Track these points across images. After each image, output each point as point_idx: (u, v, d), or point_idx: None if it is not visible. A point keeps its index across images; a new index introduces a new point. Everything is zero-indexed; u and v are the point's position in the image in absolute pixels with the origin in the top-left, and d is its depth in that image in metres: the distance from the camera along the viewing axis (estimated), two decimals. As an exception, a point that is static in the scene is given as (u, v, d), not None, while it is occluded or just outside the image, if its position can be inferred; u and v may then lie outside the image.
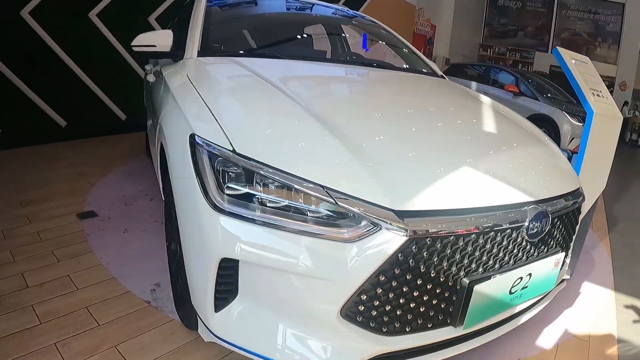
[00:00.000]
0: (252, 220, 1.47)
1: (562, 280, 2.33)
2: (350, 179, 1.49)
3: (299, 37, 3.37)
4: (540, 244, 1.77)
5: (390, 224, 1.40)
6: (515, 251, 1.67)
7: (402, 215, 1.43)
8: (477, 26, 16.56)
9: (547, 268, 1.82)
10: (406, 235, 1.40)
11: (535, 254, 1.77)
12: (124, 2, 5.53)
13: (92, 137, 5.66)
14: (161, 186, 2.62)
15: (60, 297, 2.44)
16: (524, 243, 1.69)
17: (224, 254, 1.52)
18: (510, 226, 1.60)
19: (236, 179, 1.53)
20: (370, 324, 1.50)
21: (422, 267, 1.47)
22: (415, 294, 1.50)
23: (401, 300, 1.49)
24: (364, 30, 3.76)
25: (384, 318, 1.51)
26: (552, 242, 1.85)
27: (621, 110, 12.59)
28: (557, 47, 2.75)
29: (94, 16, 5.35)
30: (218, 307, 1.61)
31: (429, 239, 1.45)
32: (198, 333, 1.90)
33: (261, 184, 1.51)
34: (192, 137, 1.68)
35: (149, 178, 4.31)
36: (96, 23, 5.40)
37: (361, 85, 2.71)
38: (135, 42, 2.66)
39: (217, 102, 1.90)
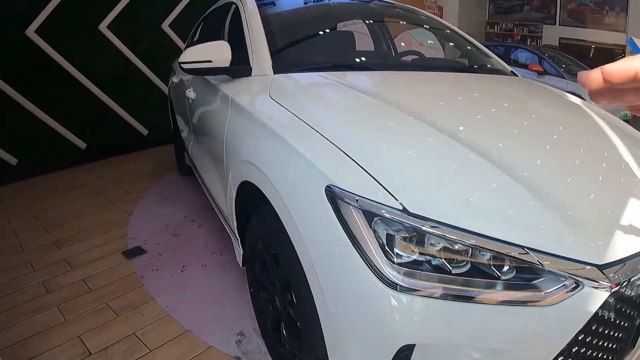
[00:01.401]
0: (437, 294, 1.17)
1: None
2: (546, 234, 1.24)
3: (373, 40, 2.95)
4: None
5: (594, 280, 1.20)
6: None
7: (603, 268, 1.22)
8: (483, 3, 16.33)
9: None
10: (609, 291, 1.21)
11: None
12: (134, 11, 5.09)
13: (114, 156, 5.23)
14: (235, 225, 2.19)
15: (133, 365, 2.01)
16: None
17: (405, 341, 1.20)
18: None
19: (404, 244, 1.21)
20: None
21: (613, 316, 1.27)
22: (603, 343, 1.29)
23: (593, 354, 1.29)
24: (424, 26, 3.29)
25: None
26: None
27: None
28: (631, 37, 2.40)
29: (104, 28, 4.91)
30: None
31: (627, 289, 1.26)
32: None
33: (439, 248, 1.20)
34: (331, 190, 1.31)
35: (190, 200, 3.89)
36: (107, 35, 4.96)
37: (475, 98, 2.18)
38: (184, 58, 2.21)
39: (347, 139, 1.48)
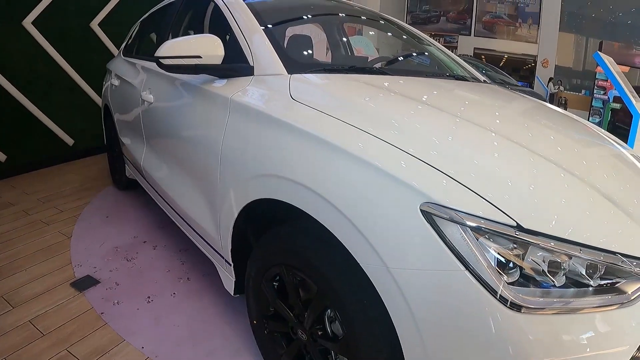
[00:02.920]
0: (555, 311, 1.11)
1: None
2: (630, 238, 1.26)
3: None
4: None
5: None
6: None
7: None
8: (400, 14, 16.93)
9: None
10: None
11: None
12: (61, 7, 4.59)
13: (39, 169, 4.66)
14: (229, 248, 1.92)
15: None
16: None
17: None
18: None
19: (509, 264, 1.13)
20: None
21: None
22: None
23: None
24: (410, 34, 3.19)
25: None
26: None
27: (547, 86, 13.14)
28: (597, 52, 2.62)
29: (29, 24, 4.37)
30: None
31: None
32: None
33: (545, 262, 1.12)
34: (430, 208, 1.14)
35: (136, 217, 3.54)
36: (31, 32, 4.41)
37: (508, 110, 2.12)
38: (164, 52, 1.90)
39: (427, 150, 1.29)
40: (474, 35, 15.81)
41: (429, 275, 1.13)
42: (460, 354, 1.15)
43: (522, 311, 1.07)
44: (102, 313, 2.37)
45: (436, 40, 14.17)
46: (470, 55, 14.08)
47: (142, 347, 2.11)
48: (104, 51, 5.00)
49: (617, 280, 1.19)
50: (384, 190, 1.22)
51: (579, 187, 1.35)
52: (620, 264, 1.17)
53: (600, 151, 1.85)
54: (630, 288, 1.18)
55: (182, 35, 2.75)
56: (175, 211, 2.54)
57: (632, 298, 1.17)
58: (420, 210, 1.14)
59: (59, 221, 3.48)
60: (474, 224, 1.10)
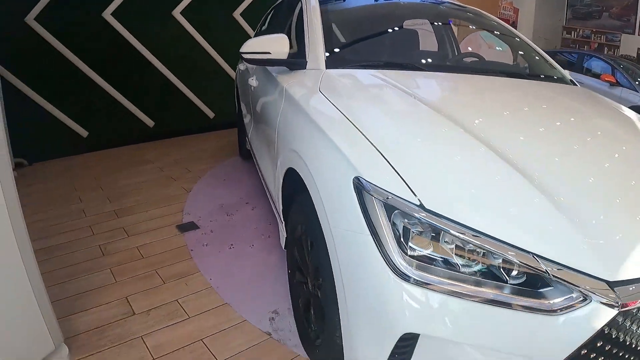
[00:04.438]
0: (443, 290, 1.26)
1: None
2: (559, 244, 1.28)
3: (440, 41, 3.04)
4: None
5: (602, 295, 1.22)
6: None
7: (614, 285, 1.24)
8: (560, 7, 15.67)
9: None
10: (617, 309, 1.22)
11: None
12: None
13: (181, 136, 5.52)
14: (280, 208, 2.32)
15: (171, 326, 2.20)
16: None
17: (408, 329, 1.30)
18: None
19: (420, 237, 1.30)
20: None
21: (627, 338, 1.27)
22: None
23: None
24: (485, 28, 3.27)
25: None
26: None
27: None
28: None
29: (178, 14, 5.21)
30: None
31: (636, 309, 1.25)
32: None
33: (452, 245, 1.28)
34: (358, 181, 1.42)
35: (247, 183, 4.07)
36: (180, 21, 5.26)
37: (524, 106, 2.21)
38: (245, 48, 2.38)
39: (381, 136, 1.59)
40: (639, 34, 14.06)
41: (350, 236, 1.41)
42: (362, 306, 1.40)
43: (411, 282, 1.25)
44: (191, 250, 2.92)
45: (597, 38, 12.84)
46: (630, 56, 12.62)
47: (210, 279, 2.60)
48: (245, 38, 5.70)
49: (546, 285, 1.25)
50: (339, 165, 1.53)
51: (521, 188, 1.40)
52: (534, 265, 1.23)
53: (604, 147, 1.82)
54: (555, 297, 1.24)
55: (281, 29, 3.20)
56: (262, 177, 3.02)
57: (552, 308, 1.23)
58: (353, 182, 1.42)
59: (185, 179, 4.19)
60: (382, 198, 1.33)
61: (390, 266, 1.28)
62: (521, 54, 3.06)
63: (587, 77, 8.12)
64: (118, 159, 4.72)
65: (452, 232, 1.26)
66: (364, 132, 1.58)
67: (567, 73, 2.92)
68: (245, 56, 2.39)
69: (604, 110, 2.36)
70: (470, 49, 3.15)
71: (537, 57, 3.00)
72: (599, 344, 1.25)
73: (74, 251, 2.86)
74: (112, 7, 4.70)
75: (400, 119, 1.77)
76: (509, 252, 1.24)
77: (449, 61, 3.07)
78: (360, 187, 1.40)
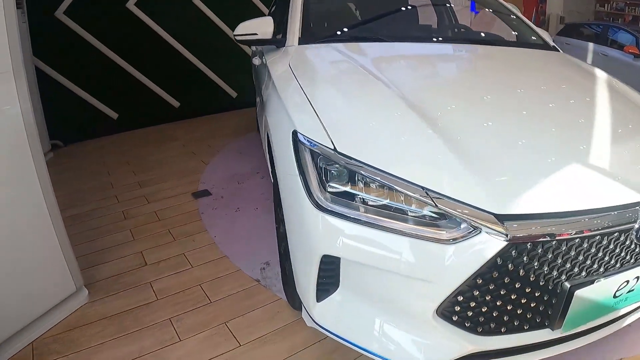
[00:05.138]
0: (352, 219, 1.51)
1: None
2: (451, 179, 1.48)
3: (401, 13, 3.20)
4: None
5: (490, 227, 1.39)
6: (623, 254, 1.56)
7: (503, 219, 1.40)
8: None
9: None
10: (506, 240, 1.38)
11: None
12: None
13: (205, 115, 5.93)
14: (270, 169, 2.66)
15: (176, 274, 2.58)
16: (632, 246, 1.56)
17: (325, 251, 1.58)
18: (619, 229, 1.50)
19: (338, 177, 1.58)
20: (466, 324, 1.53)
21: (521, 271, 1.45)
22: (513, 296, 1.49)
23: (498, 303, 1.49)
24: None
25: (480, 319, 1.52)
26: None
27: None
28: None
29: (197, 1, 5.59)
30: (320, 297, 1.68)
31: (529, 243, 1.42)
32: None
33: (362, 183, 1.55)
34: (295, 134, 1.73)
35: (259, 155, 4.42)
36: (200, 7, 5.63)
37: (465, 68, 2.51)
38: (237, 31, 2.71)
39: (318, 95, 1.91)
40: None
41: (288, 178, 1.72)
42: (297, 236, 1.72)
43: (327, 212, 1.53)
44: (202, 213, 3.31)
45: (632, 11, 12.22)
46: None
47: (214, 236, 2.98)
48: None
49: (446, 218, 1.43)
50: (286, 123, 1.84)
51: (423, 135, 1.62)
52: (423, 198, 1.43)
53: (534, 99, 2.04)
54: (449, 228, 1.42)
55: (281, 11, 3.50)
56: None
57: (444, 237, 1.41)
58: (292, 134, 1.74)
59: (205, 153, 4.59)
60: (309, 145, 1.63)
61: (311, 200, 1.57)
62: (501, 22, 3.25)
63: (610, 49, 8.03)
64: (145, 137, 5.17)
65: (360, 171, 1.52)
66: (309, 96, 1.89)
67: (548, 39, 3.08)
68: (237, 38, 2.72)
69: (566, 71, 2.55)
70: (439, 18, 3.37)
71: (516, 24, 3.19)
72: (494, 274, 1.42)
73: (100, 216, 3.30)
74: (134, -2, 5.13)
75: (342, 86, 2.07)
76: (404, 187, 1.46)
77: (415, 31, 3.23)
78: (295, 138, 1.71)
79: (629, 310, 1.77)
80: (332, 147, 1.59)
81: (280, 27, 2.81)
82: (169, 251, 2.82)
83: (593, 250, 1.50)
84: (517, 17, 3.22)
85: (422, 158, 1.56)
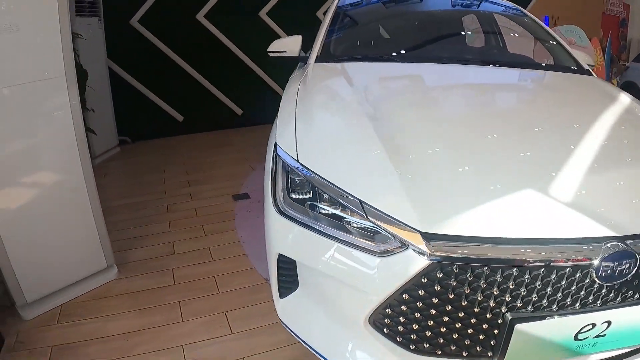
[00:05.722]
0: (302, 224, 1.64)
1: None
2: (388, 196, 1.54)
3: (420, 35, 3.28)
4: (625, 288, 1.50)
5: (415, 245, 1.41)
6: (582, 294, 1.46)
7: (429, 237, 1.41)
8: None
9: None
10: (428, 259, 1.39)
11: (618, 299, 1.50)
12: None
13: (265, 124, 6.28)
14: None
15: (197, 265, 2.88)
16: (595, 286, 1.45)
17: (279, 251, 1.74)
18: (571, 264, 1.41)
19: (300, 186, 1.71)
20: (397, 339, 1.55)
21: (450, 294, 1.43)
22: (445, 319, 1.47)
23: (430, 323, 1.49)
24: (494, 19, 3.56)
25: (412, 336, 1.53)
26: None
27: None
28: None
29: (264, 15, 5.97)
30: (282, 294, 1.84)
31: (455, 267, 1.41)
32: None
33: (317, 193, 1.66)
34: (275, 145, 1.90)
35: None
36: (267, 21, 6.01)
37: (463, 91, 2.54)
38: (270, 47, 3.00)
39: (304, 112, 2.06)
40: None
41: (267, 184, 1.87)
42: (265, 226, 1.86)
43: (284, 216, 1.67)
44: (236, 214, 3.61)
45: None
46: None
47: (241, 236, 3.26)
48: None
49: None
50: (274, 134, 2.01)
51: (374, 153, 1.70)
52: (358, 209, 1.52)
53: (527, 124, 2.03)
54: (381, 241, 1.49)
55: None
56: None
57: (377, 250, 1.48)
58: (274, 145, 1.90)
59: (255, 159, 4.91)
60: (282, 155, 1.79)
61: (274, 204, 1.74)
62: (540, 45, 3.25)
63: None
64: (205, 141, 5.60)
65: (312, 181, 1.65)
66: (297, 113, 2.04)
67: (583, 62, 2.98)
68: (270, 54, 3.00)
69: (580, 96, 2.52)
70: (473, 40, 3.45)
71: (551, 47, 3.16)
72: (421, 293, 1.43)
73: (147, 207, 3.69)
74: (204, 10, 5.57)
75: (326, 105, 2.21)
76: (343, 198, 1.56)
77: (431, 52, 3.19)
78: (275, 149, 1.89)
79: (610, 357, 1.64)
80: (296, 158, 1.75)
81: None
82: (197, 244, 3.12)
83: (538, 284, 1.42)
84: (557, 41, 3.18)
85: (367, 174, 1.65)
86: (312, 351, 1.73)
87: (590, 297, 1.46)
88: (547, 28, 3.34)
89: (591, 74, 2.90)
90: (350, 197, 1.55)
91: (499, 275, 1.41)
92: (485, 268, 1.40)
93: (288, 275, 1.80)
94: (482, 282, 1.41)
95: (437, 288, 1.42)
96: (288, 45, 2.93)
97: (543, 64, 3.07)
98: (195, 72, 5.73)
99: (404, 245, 1.43)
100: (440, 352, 1.54)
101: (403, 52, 3.01)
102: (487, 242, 1.41)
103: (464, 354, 1.53)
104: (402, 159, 1.67)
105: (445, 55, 3.00)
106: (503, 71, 2.85)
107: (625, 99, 2.43)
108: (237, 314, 2.41)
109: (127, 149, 5.25)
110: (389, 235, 1.47)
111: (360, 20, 3.47)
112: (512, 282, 1.41)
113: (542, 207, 1.51)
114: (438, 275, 1.41)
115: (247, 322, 2.35)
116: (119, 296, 2.54)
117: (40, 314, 2.36)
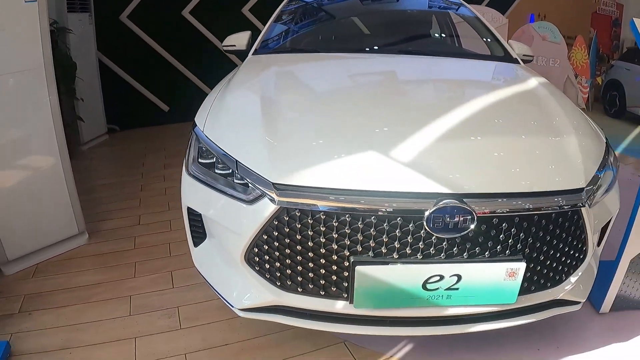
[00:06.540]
0: (202, 182, 1.96)
1: (569, 303, 2.00)
2: (255, 154, 1.83)
3: (351, 29, 3.67)
4: (471, 244, 1.68)
5: (267, 193, 1.69)
6: (420, 244, 1.65)
7: (279, 187, 1.68)
8: None
9: (491, 275, 1.69)
10: (275, 204, 1.66)
11: (465, 255, 1.69)
12: None
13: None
14: None
15: (157, 234, 3.37)
16: (434, 239, 1.64)
17: (188, 204, 2.08)
18: (401, 215, 1.62)
19: (206, 153, 2.01)
20: (266, 275, 1.81)
21: (297, 236, 1.68)
22: (299, 258, 1.72)
23: (287, 261, 1.73)
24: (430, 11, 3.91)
25: (277, 273, 1.79)
26: (499, 246, 1.70)
27: None
28: (633, 18, 2.24)
29: (246, 11, 6.45)
30: (196, 244, 2.18)
31: (297, 211, 1.66)
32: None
33: (216, 158, 1.95)
34: (194, 121, 2.25)
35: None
36: (249, 17, 6.48)
37: (362, 77, 2.80)
38: (224, 42, 3.39)
39: (223, 95, 2.34)
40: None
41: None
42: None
43: (191, 176, 2.00)
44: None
45: None
46: None
47: (201, 211, 3.75)
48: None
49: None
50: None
51: (258, 122, 1.98)
52: (232, 165, 1.81)
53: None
54: (251, 194, 1.75)
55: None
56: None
57: (247, 199, 1.74)
58: (193, 121, 2.28)
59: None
60: (194, 129, 2.16)
61: (186, 167, 2.08)
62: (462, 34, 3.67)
63: None
64: (189, 130, 6.02)
65: (209, 147, 1.95)
66: (219, 95, 2.35)
67: (512, 52, 3.19)
68: (223, 48, 3.40)
69: (492, 79, 2.83)
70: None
71: (485, 37, 3.42)
72: (275, 234, 1.69)
73: (123, 187, 4.20)
74: (190, 6, 6.09)
75: (239, 88, 2.49)
76: (227, 158, 1.84)
77: (360, 43, 3.53)
78: (193, 124, 2.24)
79: (476, 315, 1.82)
80: (202, 130, 2.08)
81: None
82: (160, 217, 3.61)
83: (372, 231, 1.62)
84: (490, 31, 3.43)
85: (246, 141, 1.92)
86: (217, 293, 2.07)
87: (432, 249, 1.65)
88: (482, 18, 3.57)
89: (519, 62, 3.09)
90: (231, 158, 1.86)
91: (334, 221, 1.63)
92: (322, 214, 1.63)
93: (199, 227, 2.11)
94: (321, 226, 1.64)
95: (287, 230, 1.68)
96: (238, 40, 3.30)
97: (468, 53, 3.38)
98: (181, 65, 6.24)
99: (263, 194, 1.71)
100: (301, 290, 1.77)
101: (329, 44, 3.41)
102: (326, 192, 1.64)
103: (321, 293, 1.76)
104: (272, 128, 1.95)
105: (368, 46, 3.34)
106: (420, 59, 3.03)
107: (532, 82, 2.56)
108: (181, 273, 2.87)
109: (115, 136, 5.80)
110: (254, 187, 1.75)
111: (299, 17, 3.84)
112: (347, 228, 1.63)
113: (384, 165, 1.73)
114: (285, 218, 1.67)
115: (188, 279, 2.79)
116: (87, 257, 3.03)
117: (18, 271, 2.86)
